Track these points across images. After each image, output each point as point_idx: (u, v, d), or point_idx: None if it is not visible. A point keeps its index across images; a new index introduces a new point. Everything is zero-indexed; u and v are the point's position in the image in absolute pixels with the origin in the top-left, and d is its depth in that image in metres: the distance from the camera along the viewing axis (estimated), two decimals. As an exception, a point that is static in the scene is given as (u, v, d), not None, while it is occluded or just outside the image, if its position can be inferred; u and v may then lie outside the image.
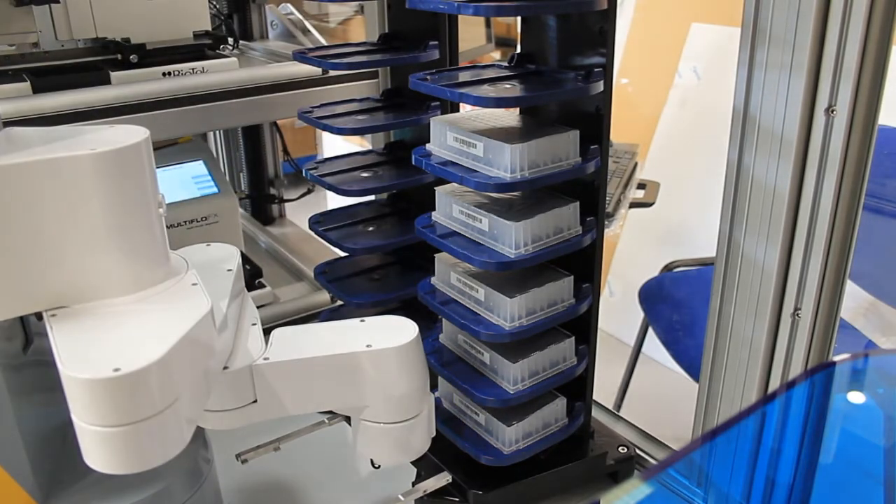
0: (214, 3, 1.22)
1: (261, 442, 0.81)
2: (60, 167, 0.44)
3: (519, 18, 0.78)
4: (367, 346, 0.54)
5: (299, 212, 1.32)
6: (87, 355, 0.42)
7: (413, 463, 0.72)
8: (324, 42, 1.33)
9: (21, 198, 0.44)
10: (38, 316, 0.57)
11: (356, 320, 0.58)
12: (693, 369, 1.33)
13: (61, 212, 0.44)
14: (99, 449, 0.42)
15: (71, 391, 0.41)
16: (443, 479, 0.67)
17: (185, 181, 1.00)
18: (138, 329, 0.45)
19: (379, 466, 0.62)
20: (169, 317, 0.46)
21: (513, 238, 0.58)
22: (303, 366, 0.53)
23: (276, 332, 0.56)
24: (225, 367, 0.51)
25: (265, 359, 0.52)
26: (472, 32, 1.83)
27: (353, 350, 0.54)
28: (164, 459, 0.43)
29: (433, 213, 0.66)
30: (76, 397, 0.41)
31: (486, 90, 0.57)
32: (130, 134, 0.47)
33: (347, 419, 0.64)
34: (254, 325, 0.57)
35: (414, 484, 0.68)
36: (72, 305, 0.47)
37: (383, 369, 0.55)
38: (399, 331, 0.56)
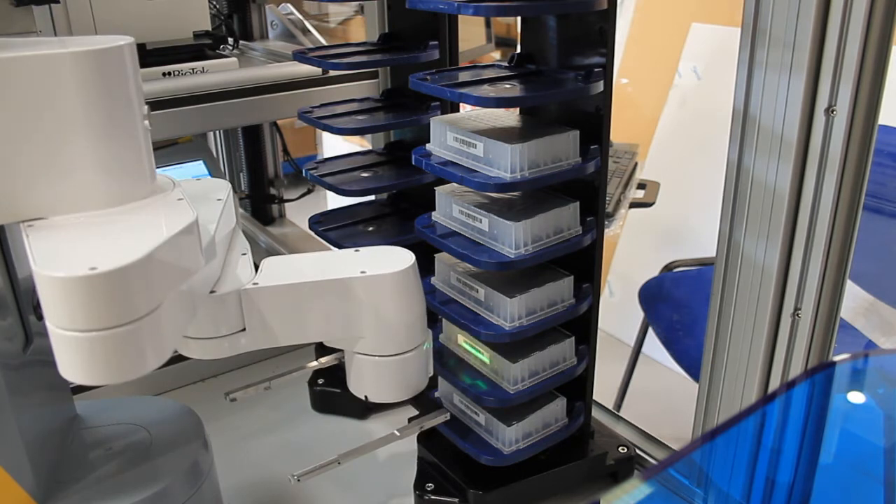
0: (214, 3, 1.22)
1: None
2: (37, 66, 0.42)
3: (519, 18, 0.78)
4: (362, 272, 0.52)
5: (299, 212, 1.32)
6: (62, 256, 0.40)
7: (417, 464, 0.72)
8: (324, 42, 1.33)
9: None
10: (39, 316, 0.57)
11: (351, 250, 0.56)
12: (693, 369, 1.33)
13: (38, 114, 0.43)
14: (74, 357, 0.40)
15: (45, 293, 0.39)
16: (441, 416, 0.65)
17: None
18: (118, 235, 0.43)
19: (373, 405, 0.60)
20: (151, 224, 0.44)
21: (513, 238, 0.58)
22: (294, 291, 0.51)
23: (266, 260, 0.54)
24: (212, 292, 0.49)
25: (254, 284, 0.51)
26: (472, 32, 1.84)
27: (346, 276, 0.52)
28: (141, 372, 0.41)
29: (433, 213, 0.66)
30: (50, 299, 0.39)
31: (486, 90, 0.58)
32: (115, 39, 0.45)
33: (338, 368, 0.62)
34: (244, 254, 0.55)
35: (411, 420, 0.67)
36: (50, 217, 0.45)
37: (378, 297, 0.52)
38: (395, 259, 0.54)
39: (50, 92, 0.43)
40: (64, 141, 0.44)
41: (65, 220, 0.45)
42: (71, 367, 0.40)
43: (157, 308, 0.41)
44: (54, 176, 0.44)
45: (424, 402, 0.69)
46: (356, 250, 0.56)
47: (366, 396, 0.58)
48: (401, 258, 0.54)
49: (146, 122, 0.47)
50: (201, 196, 0.54)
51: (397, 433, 0.62)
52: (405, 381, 0.57)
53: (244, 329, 0.52)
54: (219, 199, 0.54)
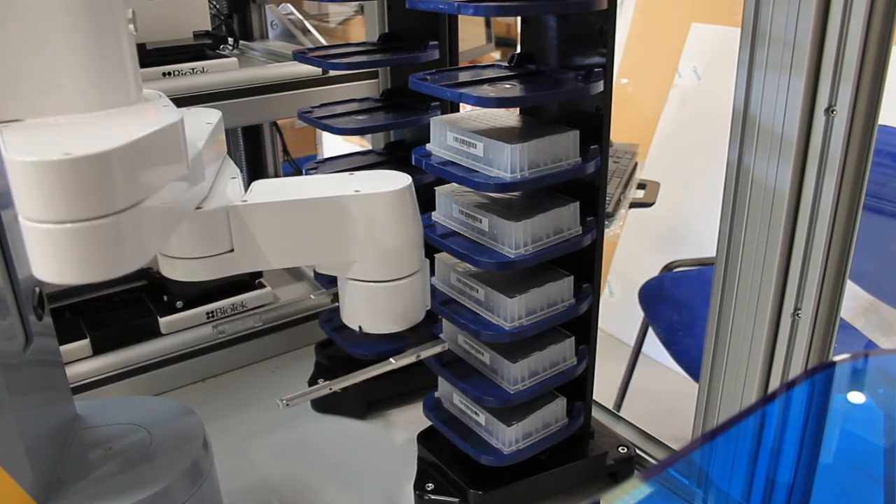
0: (214, 3, 1.22)
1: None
2: None
3: (519, 18, 0.78)
4: (356, 191, 0.50)
5: (299, 212, 1.31)
6: (37, 144, 0.38)
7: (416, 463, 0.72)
8: (324, 42, 1.33)
9: None
10: (39, 316, 0.57)
11: (345, 173, 0.54)
12: (693, 369, 1.33)
13: (9, 4, 0.40)
14: (47, 253, 0.37)
15: (17, 180, 0.36)
16: (439, 346, 0.62)
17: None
18: (98, 129, 0.41)
19: (367, 335, 0.56)
20: (134, 122, 0.41)
21: (513, 238, 0.58)
22: (284, 210, 0.49)
23: (256, 182, 0.52)
24: (198, 208, 0.47)
25: (243, 201, 0.49)
26: (472, 32, 1.83)
27: (339, 194, 0.50)
28: (119, 271, 0.39)
29: (433, 213, 0.66)
30: (23, 187, 0.36)
31: (487, 90, 0.58)
32: None
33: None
34: (233, 178, 0.53)
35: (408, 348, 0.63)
36: (27, 119, 0.42)
37: (373, 217, 0.51)
38: (391, 180, 0.52)
39: None
40: (41, 35, 0.42)
41: (43, 121, 0.42)
42: (45, 264, 0.38)
43: (137, 204, 0.39)
44: (30, 76, 0.42)
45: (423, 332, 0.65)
46: (351, 173, 0.54)
47: (360, 327, 0.56)
48: (397, 180, 0.52)
49: (131, 27, 0.45)
50: (191, 119, 0.52)
51: (393, 361, 0.59)
52: (401, 309, 0.54)
53: (232, 250, 0.49)
54: (208, 123, 0.53)
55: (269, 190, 0.51)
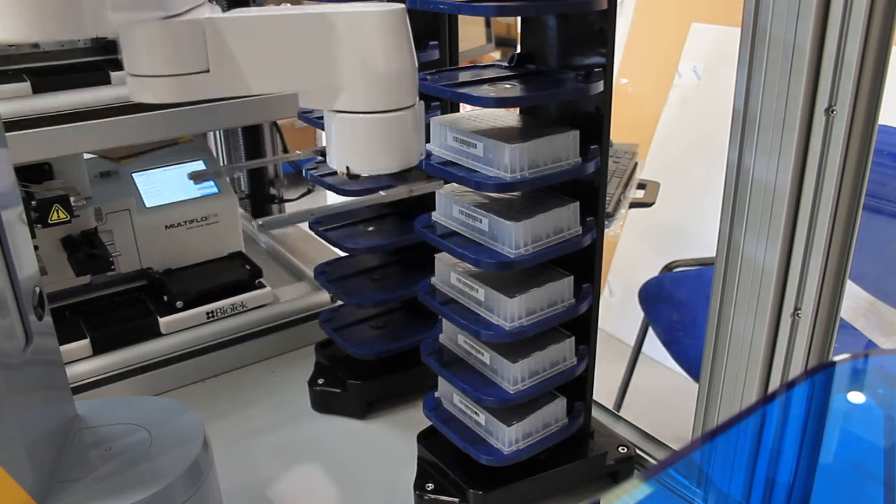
0: (214, 3, 1.22)
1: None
2: None
3: (519, 18, 0.78)
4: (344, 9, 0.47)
5: (299, 212, 1.31)
6: None
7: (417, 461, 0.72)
8: (324, 42, 1.32)
9: None
10: (39, 316, 0.57)
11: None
12: (693, 369, 1.34)
13: None
14: None
15: None
16: (434, 184, 0.58)
17: (186, 181, 1.00)
18: None
19: (357, 176, 0.52)
20: None
21: (513, 238, 0.58)
22: (267, 24, 0.46)
23: (237, 9, 0.49)
24: (171, 17, 0.44)
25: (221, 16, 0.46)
26: (472, 32, 1.83)
27: (327, 10, 0.46)
28: (76, 31, 0.38)
29: (433, 213, 0.66)
30: None
31: (486, 90, 0.58)
32: None
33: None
34: (212, 2, 0.50)
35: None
36: None
37: (362, 37, 0.47)
38: (383, 4, 0.49)
39: None
40: None
41: None
42: None
43: None
44: None
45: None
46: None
47: (347, 168, 0.51)
48: (390, 4, 0.49)
49: None
50: None
51: (383, 193, 0.55)
52: (392, 146, 0.50)
53: (208, 70, 0.46)
54: None
55: (251, 9, 0.48)
